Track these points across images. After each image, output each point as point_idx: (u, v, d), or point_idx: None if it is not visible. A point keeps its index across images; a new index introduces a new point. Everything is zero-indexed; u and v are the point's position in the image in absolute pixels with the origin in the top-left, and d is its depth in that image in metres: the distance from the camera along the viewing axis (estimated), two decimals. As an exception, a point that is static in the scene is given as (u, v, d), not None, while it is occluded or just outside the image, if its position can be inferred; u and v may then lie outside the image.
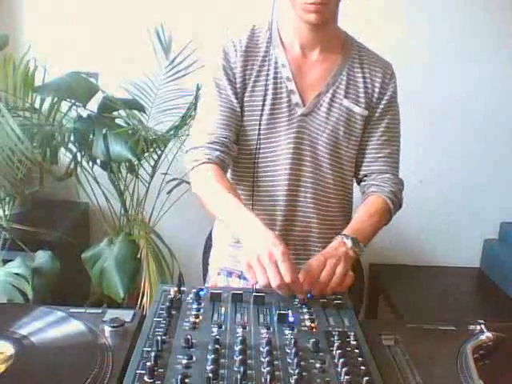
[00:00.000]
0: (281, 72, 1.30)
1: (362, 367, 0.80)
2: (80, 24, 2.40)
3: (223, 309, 0.96)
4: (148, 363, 0.76)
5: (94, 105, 2.08)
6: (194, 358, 0.80)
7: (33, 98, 2.03)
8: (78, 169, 2.14)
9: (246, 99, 1.30)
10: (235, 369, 0.78)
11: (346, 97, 1.32)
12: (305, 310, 0.97)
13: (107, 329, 0.88)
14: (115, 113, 2.12)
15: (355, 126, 1.34)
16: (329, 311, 0.98)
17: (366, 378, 0.76)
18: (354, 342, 0.87)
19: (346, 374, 0.77)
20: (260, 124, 1.30)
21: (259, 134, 1.30)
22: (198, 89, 2.12)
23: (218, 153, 1.25)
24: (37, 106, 2.04)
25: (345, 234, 1.19)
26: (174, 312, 0.93)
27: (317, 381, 0.77)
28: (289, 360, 0.81)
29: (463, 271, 2.75)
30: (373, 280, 2.73)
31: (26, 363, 0.80)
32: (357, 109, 1.33)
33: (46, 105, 2.06)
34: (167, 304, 0.94)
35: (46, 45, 2.31)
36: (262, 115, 1.29)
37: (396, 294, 2.49)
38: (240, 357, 0.80)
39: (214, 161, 1.24)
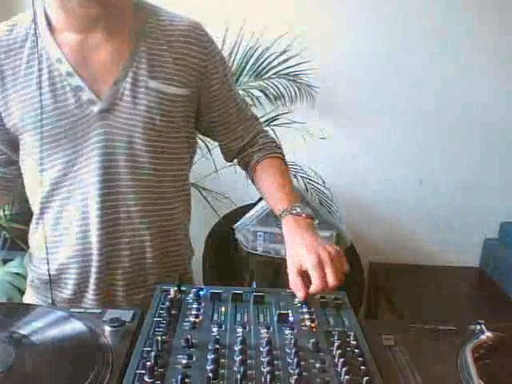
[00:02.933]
0: (58, 69, 1.06)
1: (362, 367, 0.80)
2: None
3: (223, 309, 0.96)
4: (148, 363, 0.76)
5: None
6: (194, 358, 0.80)
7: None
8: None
9: (13, 113, 1.07)
10: (235, 369, 0.78)
11: (151, 77, 1.07)
12: (305, 310, 0.97)
13: (107, 329, 0.88)
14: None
15: (176, 110, 1.10)
16: (329, 311, 0.98)
17: (366, 378, 0.76)
18: (354, 342, 0.87)
19: (346, 373, 0.77)
20: (42, 138, 1.06)
21: (42, 152, 1.07)
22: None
23: None
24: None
25: (286, 209, 1.09)
26: (174, 312, 0.93)
27: (317, 381, 0.77)
28: (289, 360, 0.81)
29: (463, 271, 2.75)
30: (373, 280, 2.73)
31: (26, 363, 0.80)
32: (171, 89, 1.08)
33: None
34: (167, 304, 0.94)
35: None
36: (42, 126, 1.05)
37: (396, 293, 2.49)
38: (240, 357, 0.79)
39: None
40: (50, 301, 1.15)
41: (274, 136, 1.29)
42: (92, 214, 1.09)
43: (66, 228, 1.12)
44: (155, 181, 1.12)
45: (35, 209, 1.14)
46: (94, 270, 1.12)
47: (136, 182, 1.10)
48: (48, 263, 1.13)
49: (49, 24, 1.07)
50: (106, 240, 1.11)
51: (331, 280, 0.98)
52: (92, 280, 1.13)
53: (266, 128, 1.28)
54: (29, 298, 1.24)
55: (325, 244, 1.03)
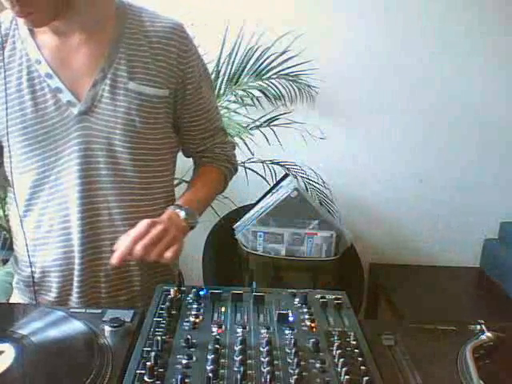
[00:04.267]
0: (37, 70, 1.05)
1: (362, 367, 0.80)
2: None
3: (223, 308, 0.96)
4: (148, 363, 0.76)
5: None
6: (194, 358, 0.80)
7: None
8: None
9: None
10: (235, 369, 0.78)
11: (131, 79, 1.06)
12: (305, 310, 0.97)
13: (107, 329, 0.88)
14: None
15: (156, 112, 1.09)
16: (329, 311, 0.98)
17: (366, 378, 0.76)
18: (354, 342, 0.87)
19: (346, 373, 0.77)
20: (8, 140, 1.06)
21: (10, 152, 1.08)
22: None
23: None
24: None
25: (177, 205, 1.10)
26: (174, 312, 0.93)
27: (317, 381, 0.77)
28: (289, 360, 0.81)
29: (463, 271, 2.75)
30: (373, 280, 2.73)
31: (26, 363, 0.80)
32: (150, 90, 1.07)
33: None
34: (167, 304, 0.94)
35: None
36: (7, 128, 1.05)
37: (396, 293, 2.49)
38: (240, 357, 0.80)
39: None
40: (34, 303, 1.15)
41: (232, 151, 1.29)
42: (73, 216, 1.09)
43: (47, 231, 1.12)
44: (137, 182, 1.12)
45: (19, 211, 1.13)
46: (76, 272, 1.12)
47: (117, 183, 1.10)
48: (31, 266, 1.12)
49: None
50: (88, 243, 1.11)
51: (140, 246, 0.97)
52: (75, 283, 1.13)
53: (229, 140, 1.30)
54: (14, 299, 1.23)
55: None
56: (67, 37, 1.06)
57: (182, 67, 1.11)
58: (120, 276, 1.15)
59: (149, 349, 0.81)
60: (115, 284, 1.15)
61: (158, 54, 1.08)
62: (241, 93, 2.39)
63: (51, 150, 1.07)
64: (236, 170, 1.31)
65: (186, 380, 0.74)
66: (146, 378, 0.75)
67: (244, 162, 2.32)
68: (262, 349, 0.83)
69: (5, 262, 1.98)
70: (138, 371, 0.76)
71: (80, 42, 1.06)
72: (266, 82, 2.40)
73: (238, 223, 2.26)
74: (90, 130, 1.06)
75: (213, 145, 1.25)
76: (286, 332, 0.89)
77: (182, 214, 1.08)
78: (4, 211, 2.16)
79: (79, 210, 1.08)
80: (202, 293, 1.00)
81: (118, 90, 1.06)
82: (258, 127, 2.32)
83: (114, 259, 0.98)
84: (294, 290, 1.04)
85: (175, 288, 0.99)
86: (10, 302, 1.26)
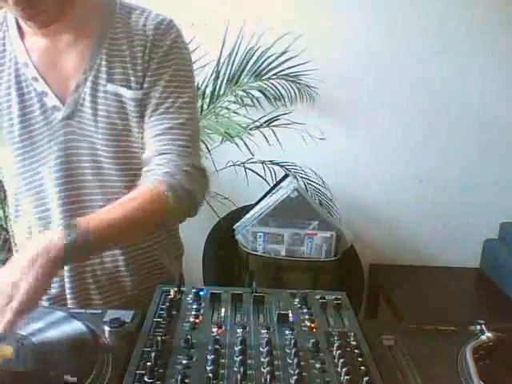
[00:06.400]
0: (24, 73, 1.03)
1: (362, 367, 0.80)
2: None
3: (223, 309, 0.96)
4: (148, 363, 0.76)
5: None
6: (194, 358, 0.80)
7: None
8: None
9: None
10: (235, 369, 0.78)
11: (109, 80, 1.01)
12: (305, 310, 0.97)
13: (107, 329, 0.88)
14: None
15: (136, 115, 1.03)
16: (329, 311, 0.98)
17: (366, 378, 0.76)
18: (354, 342, 0.87)
19: (346, 374, 0.77)
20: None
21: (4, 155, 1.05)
22: (198, 88, 2.13)
23: None
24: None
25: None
26: (173, 312, 0.93)
27: (317, 381, 0.77)
28: (289, 360, 0.81)
29: (463, 271, 2.75)
30: (373, 280, 2.73)
31: (26, 363, 0.80)
32: (128, 92, 1.01)
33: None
34: (167, 304, 0.94)
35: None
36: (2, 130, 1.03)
37: (396, 294, 2.49)
38: (240, 357, 0.80)
39: None
40: None
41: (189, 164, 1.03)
42: (56, 224, 1.07)
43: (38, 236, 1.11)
44: (123, 187, 1.06)
45: (12, 215, 1.12)
46: (66, 279, 1.11)
47: (103, 189, 1.06)
48: None
49: (19, 28, 1.04)
50: None
51: None
52: (67, 289, 1.12)
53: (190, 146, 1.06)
54: None
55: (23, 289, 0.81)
56: (56, 38, 1.03)
57: (150, 60, 1.03)
58: (110, 282, 1.13)
59: (149, 349, 0.81)
60: (106, 290, 1.13)
61: (135, 52, 1.03)
62: (241, 93, 2.39)
63: (35, 156, 1.04)
64: (188, 191, 1.02)
65: (186, 380, 0.74)
66: (145, 379, 0.75)
67: (244, 163, 2.32)
68: (262, 349, 0.83)
69: (5, 262, 1.98)
70: (138, 371, 0.76)
71: (68, 43, 1.03)
72: (266, 82, 2.40)
73: (238, 224, 2.26)
74: (73, 135, 1.03)
75: (162, 152, 1.03)
76: (286, 332, 0.89)
77: (59, 232, 0.86)
78: (4, 211, 2.16)
79: (63, 217, 1.06)
80: (201, 293, 1.00)
81: (98, 93, 1.02)
82: (257, 128, 2.32)
83: None
84: (293, 291, 1.04)
85: (175, 288, 0.99)
86: None
